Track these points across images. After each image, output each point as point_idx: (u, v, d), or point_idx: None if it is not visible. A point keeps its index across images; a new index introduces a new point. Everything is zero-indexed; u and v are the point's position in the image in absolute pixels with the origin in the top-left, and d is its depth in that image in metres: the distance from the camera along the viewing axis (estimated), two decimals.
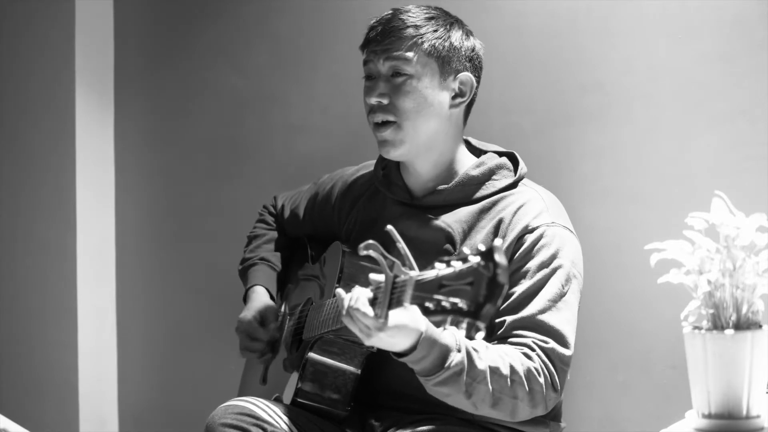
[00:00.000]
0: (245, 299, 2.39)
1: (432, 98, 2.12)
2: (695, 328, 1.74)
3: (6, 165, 3.23)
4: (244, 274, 2.44)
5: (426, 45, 2.11)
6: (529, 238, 2.05)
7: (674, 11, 2.47)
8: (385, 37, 2.12)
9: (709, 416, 1.72)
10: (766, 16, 2.38)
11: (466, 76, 2.15)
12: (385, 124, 2.12)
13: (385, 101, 2.11)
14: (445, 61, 2.12)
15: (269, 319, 2.31)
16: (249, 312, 2.32)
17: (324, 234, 2.37)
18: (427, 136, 2.13)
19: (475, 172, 2.16)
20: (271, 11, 2.99)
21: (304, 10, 2.94)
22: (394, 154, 2.14)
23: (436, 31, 2.12)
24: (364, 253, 1.72)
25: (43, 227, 3.16)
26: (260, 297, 2.36)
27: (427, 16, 2.14)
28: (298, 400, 2.13)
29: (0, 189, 3.24)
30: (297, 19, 2.96)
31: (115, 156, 3.20)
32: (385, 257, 1.72)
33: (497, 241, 1.61)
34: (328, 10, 2.91)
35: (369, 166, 2.34)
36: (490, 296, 1.58)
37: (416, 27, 2.12)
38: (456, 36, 2.14)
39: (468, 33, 2.17)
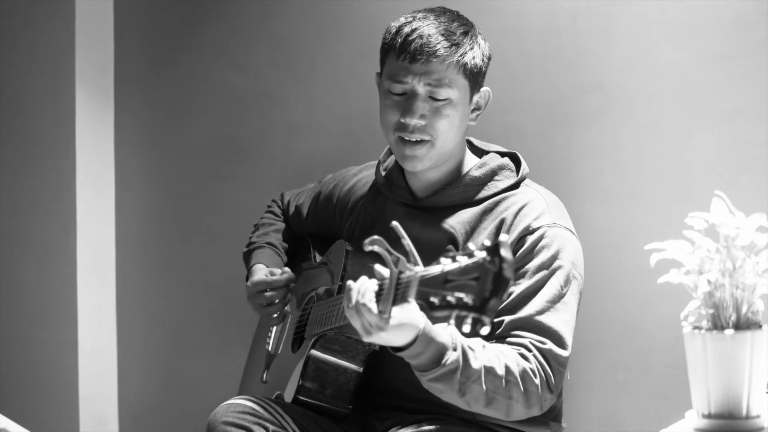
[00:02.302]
0: (247, 278, 2.38)
1: (462, 117, 2.11)
2: (695, 328, 1.74)
3: (6, 165, 3.23)
4: (248, 256, 2.43)
5: (466, 67, 2.08)
6: (530, 239, 2.05)
7: (674, 11, 2.47)
8: (427, 57, 2.06)
9: (709, 416, 1.71)
10: (766, 16, 2.38)
11: (486, 89, 2.15)
12: (420, 142, 2.10)
13: (423, 122, 2.09)
14: (475, 80, 2.12)
15: (277, 270, 2.29)
16: (255, 275, 2.31)
17: (326, 233, 2.38)
18: (449, 150, 2.13)
19: (478, 173, 2.15)
20: (271, 11, 2.99)
21: (304, 10, 2.94)
22: (419, 168, 2.12)
23: (472, 49, 2.09)
24: (369, 248, 1.72)
25: (43, 227, 3.16)
26: (262, 267, 2.36)
27: (462, 30, 2.09)
28: (300, 398, 2.13)
29: (0, 189, 3.24)
30: (297, 19, 2.96)
31: (115, 156, 3.20)
32: (390, 253, 1.72)
33: (503, 237, 1.61)
34: (328, 10, 2.91)
35: (371, 166, 2.33)
36: (495, 291, 1.58)
37: (456, 46, 2.07)
38: (482, 49, 2.12)
39: (484, 40, 2.15)
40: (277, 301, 2.28)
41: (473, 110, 2.14)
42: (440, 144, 2.10)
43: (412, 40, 2.07)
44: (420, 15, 2.11)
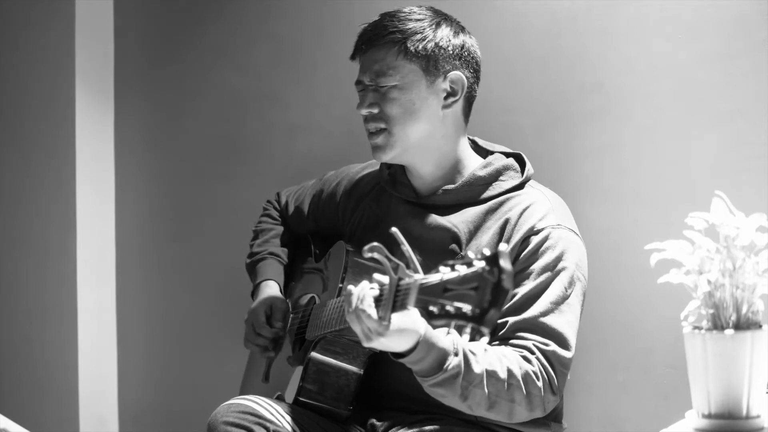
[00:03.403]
0: (254, 293, 2.38)
1: (420, 102, 2.11)
2: (695, 328, 1.74)
3: (6, 165, 3.23)
4: (253, 269, 2.44)
5: (409, 50, 2.10)
6: (534, 240, 2.05)
7: (674, 11, 2.47)
8: (368, 46, 2.13)
9: (709, 416, 1.71)
10: (766, 16, 2.38)
11: (456, 74, 2.14)
12: (378, 131, 2.13)
13: (375, 110, 2.13)
14: (430, 63, 2.11)
15: (277, 316, 2.30)
16: (260, 305, 2.32)
17: (328, 231, 2.37)
18: (418, 139, 2.13)
19: (482, 173, 2.15)
20: (271, 11, 2.99)
21: (304, 10, 2.95)
22: (384, 158, 2.15)
23: (420, 33, 2.11)
24: (368, 255, 1.72)
25: (43, 227, 3.16)
26: (272, 291, 2.36)
27: (412, 17, 2.13)
28: (301, 399, 2.13)
29: (0, 189, 3.24)
30: (297, 19, 2.96)
31: (115, 156, 3.20)
32: (389, 260, 1.72)
33: (502, 246, 1.61)
34: (328, 10, 2.91)
35: (375, 164, 2.33)
36: (494, 301, 1.57)
37: (401, 32, 2.11)
38: (442, 35, 2.13)
39: (457, 31, 2.15)
40: (261, 342, 2.30)
41: (446, 96, 2.14)
42: (397, 130, 2.12)
43: (359, 37, 2.16)
44: (381, 15, 2.17)
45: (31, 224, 3.19)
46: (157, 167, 3.18)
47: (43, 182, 3.17)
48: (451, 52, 2.13)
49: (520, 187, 2.15)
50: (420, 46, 2.11)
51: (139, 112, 3.19)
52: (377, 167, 2.31)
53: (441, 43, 2.12)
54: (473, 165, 2.18)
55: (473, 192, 2.15)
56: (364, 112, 2.14)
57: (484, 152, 2.23)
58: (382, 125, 2.13)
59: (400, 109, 2.11)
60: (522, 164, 2.19)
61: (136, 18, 3.17)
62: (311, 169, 2.65)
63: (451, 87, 2.14)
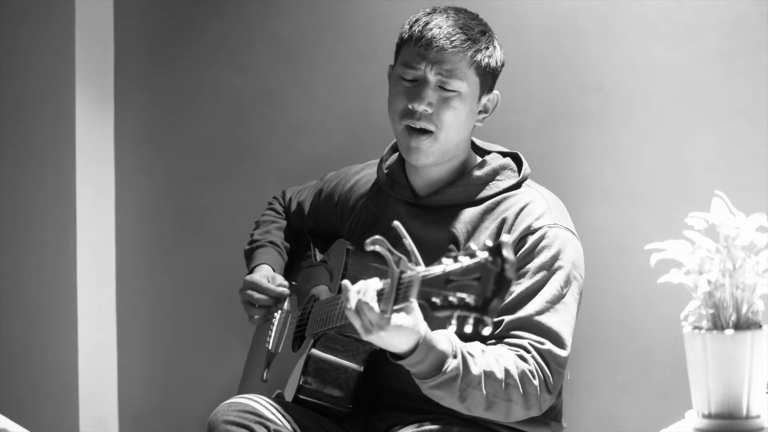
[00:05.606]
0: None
1: (469, 114, 2.12)
2: (695, 328, 1.74)
3: (6, 164, 3.23)
4: (251, 254, 2.43)
5: (479, 64, 2.10)
6: (531, 239, 2.06)
7: (674, 11, 2.47)
8: (443, 46, 2.08)
9: (709, 416, 1.71)
10: (766, 16, 2.38)
11: (496, 93, 2.17)
12: (424, 132, 2.10)
13: (430, 110, 2.09)
14: (487, 80, 2.13)
15: (278, 280, 2.29)
16: (256, 274, 2.32)
17: (327, 231, 2.38)
18: (453, 147, 2.13)
19: (479, 173, 2.16)
20: (271, 11, 2.99)
21: (304, 10, 2.94)
22: (423, 162, 2.13)
23: (487, 48, 2.12)
24: (370, 248, 1.72)
25: (43, 227, 3.16)
26: (268, 270, 2.36)
27: (480, 28, 2.12)
28: (300, 397, 2.13)
29: (0, 189, 3.24)
30: (297, 19, 2.96)
31: (115, 156, 3.20)
32: (391, 253, 1.72)
33: (505, 237, 1.61)
34: (328, 10, 2.91)
35: (373, 164, 2.34)
36: (497, 291, 1.58)
37: (474, 41, 2.09)
38: (499, 54, 2.15)
39: (500, 45, 2.17)
40: (262, 305, 2.28)
41: (480, 112, 2.15)
42: (443, 137, 2.10)
43: (430, 29, 2.09)
44: (440, 9, 2.14)
45: (31, 224, 3.19)
46: (157, 167, 3.17)
47: (43, 182, 3.16)
48: (499, 71, 2.16)
49: (516, 186, 2.15)
50: (485, 62, 2.11)
51: (139, 112, 3.19)
52: (375, 168, 2.31)
53: (499, 62, 2.15)
54: (471, 165, 2.18)
55: (470, 192, 2.15)
56: (422, 108, 2.09)
57: (481, 152, 2.23)
58: (432, 128, 2.09)
59: (455, 118, 2.09)
60: (519, 164, 2.19)
61: (136, 17, 3.17)
62: (311, 169, 2.65)
63: (486, 105, 2.16)
